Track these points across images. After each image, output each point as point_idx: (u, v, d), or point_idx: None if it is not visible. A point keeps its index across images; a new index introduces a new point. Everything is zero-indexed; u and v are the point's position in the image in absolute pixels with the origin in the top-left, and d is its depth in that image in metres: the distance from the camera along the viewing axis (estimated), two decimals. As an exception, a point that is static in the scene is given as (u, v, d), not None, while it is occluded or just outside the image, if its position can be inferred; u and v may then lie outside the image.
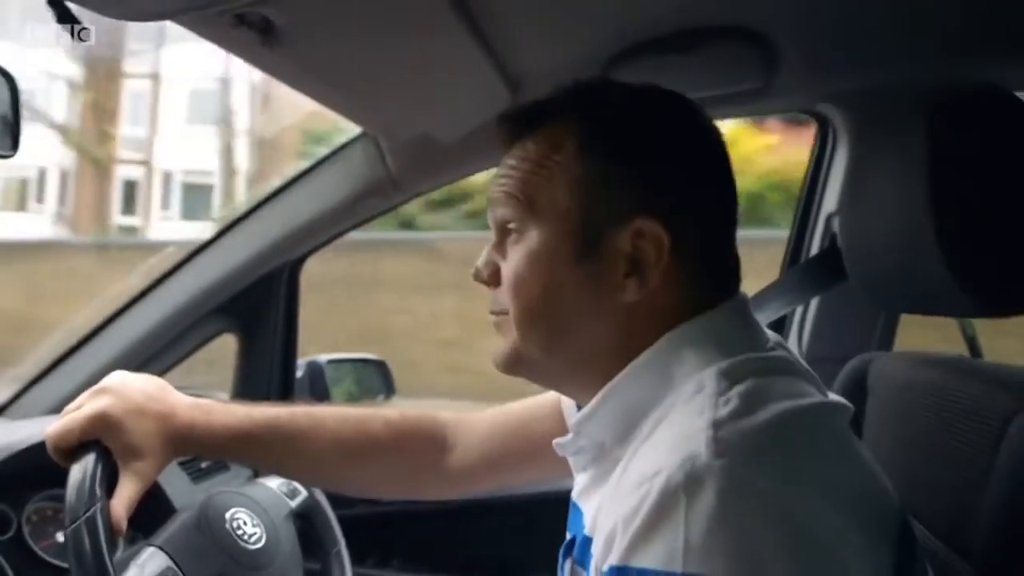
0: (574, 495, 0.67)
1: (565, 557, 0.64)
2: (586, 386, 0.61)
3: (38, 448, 0.76)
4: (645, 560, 0.47)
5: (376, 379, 1.49)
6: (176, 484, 1.07)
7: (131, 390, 0.73)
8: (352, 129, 1.15)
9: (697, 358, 0.57)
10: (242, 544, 0.80)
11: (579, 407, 0.65)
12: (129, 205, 11.64)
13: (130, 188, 11.73)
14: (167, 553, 0.74)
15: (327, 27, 0.76)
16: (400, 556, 1.35)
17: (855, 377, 0.86)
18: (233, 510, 0.82)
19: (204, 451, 0.84)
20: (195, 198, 11.41)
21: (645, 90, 0.63)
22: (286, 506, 0.89)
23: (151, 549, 0.74)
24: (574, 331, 0.61)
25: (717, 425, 0.50)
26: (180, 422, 0.74)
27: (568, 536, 0.66)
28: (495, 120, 0.66)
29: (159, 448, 0.73)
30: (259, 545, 0.81)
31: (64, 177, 11.59)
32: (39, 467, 0.77)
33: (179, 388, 0.78)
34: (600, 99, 0.63)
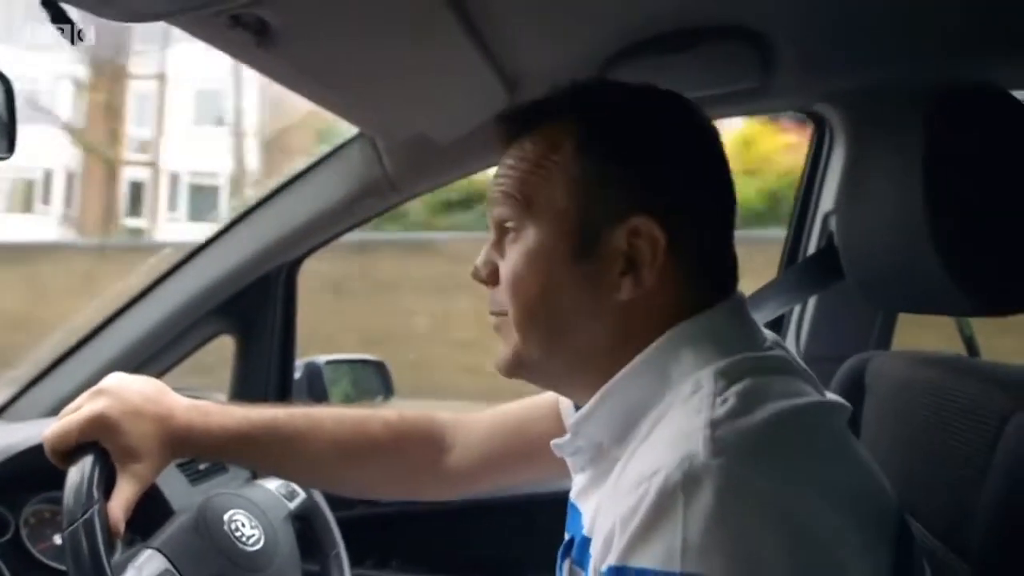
0: (572, 496, 0.67)
1: (563, 558, 0.64)
2: (585, 386, 0.61)
3: (36, 450, 0.75)
4: (644, 560, 0.47)
5: (374, 380, 1.49)
6: (174, 486, 1.07)
7: (129, 392, 0.73)
8: (350, 128, 1.15)
9: (695, 358, 0.57)
10: (240, 546, 0.80)
11: (577, 408, 0.65)
12: (136, 207, 11.63)
13: (136, 189, 11.71)
14: (165, 555, 0.74)
15: (323, 28, 0.76)
16: (399, 557, 1.35)
17: (853, 376, 0.86)
18: (231, 512, 0.82)
19: (202, 453, 0.84)
20: (202, 199, 11.39)
21: (643, 90, 0.63)
22: (284, 508, 0.89)
23: (149, 551, 0.74)
24: (572, 330, 0.61)
25: (715, 424, 0.50)
26: (178, 424, 0.74)
27: (567, 537, 0.66)
28: (493, 120, 0.66)
29: (157, 450, 0.73)
30: (258, 547, 0.81)
31: (70, 178, 11.58)
32: (37, 469, 0.77)
33: (176, 390, 0.78)
34: (598, 99, 0.63)
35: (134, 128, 11.66)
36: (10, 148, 0.79)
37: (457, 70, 0.93)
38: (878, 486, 0.56)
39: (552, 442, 0.64)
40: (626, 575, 0.48)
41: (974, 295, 0.65)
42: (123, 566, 0.72)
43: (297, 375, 1.34)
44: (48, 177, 11.49)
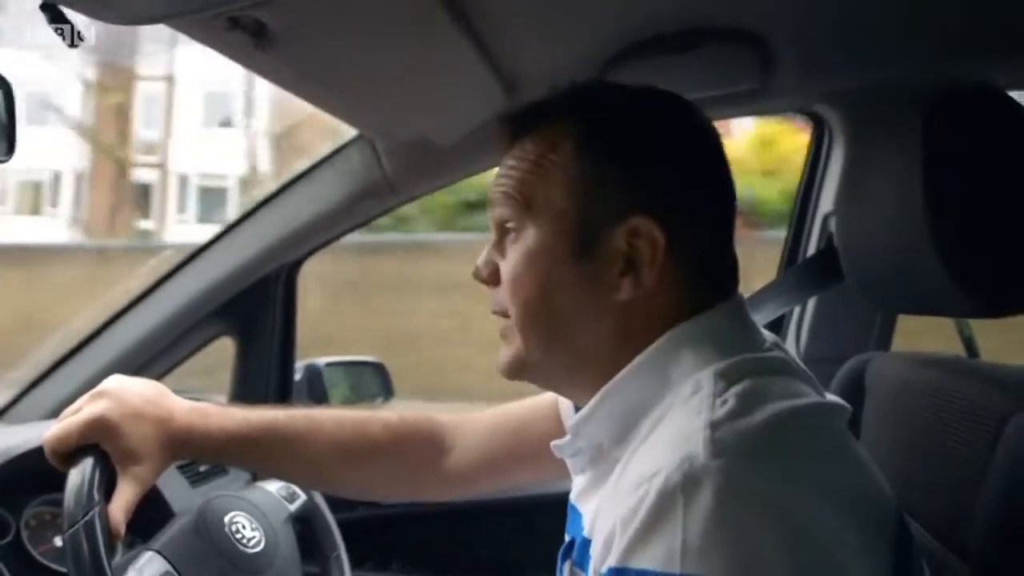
0: (572, 497, 0.67)
1: (564, 559, 0.64)
2: (585, 387, 0.61)
3: (36, 452, 0.75)
4: (644, 561, 0.47)
5: (374, 382, 1.49)
6: (174, 488, 1.07)
7: (129, 394, 0.73)
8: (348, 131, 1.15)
9: (694, 359, 0.57)
10: (241, 548, 0.80)
11: (577, 409, 0.65)
12: (145, 208, 11.62)
13: (145, 191, 11.71)
14: (165, 557, 0.74)
15: (321, 30, 0.76)
16: (399, 559, 1.35)
17: (852, 377, 0.86)
18: (232, 514, 0.82)
19: (202, 455, 0.84)
20: (211, 201, 11.38)
21: (643, 91, 0.63)
22: (285, 510, 0.89)
23: (149, 553, 0.74)
24: (572, 330, 0.61)
25: (714, 426, 0.50)
26: (178, 426, 0.74)
27: (567, 538, 0.66)
28: (493, 121, 0.66)
29: (157, 452, 0.73)
30: (258, 549, 0.81)
31: (79, 180, 11.57)
32: (37, 471, 0.77)
33: (176, 392, 0.78)
34: (598, 100, 0.64)
35: (143, 130, 11.67)
36: (10, 150, 0.79)
37: (456, 72, 0.93)
38: (877, 487, 0.56)
39: (552, 443, 0.64)
40: None
41: (974, 296, 0.66)
42: (123, 568, 0.72)
43: (297, 377, 1.34)
44: (56, 179, 11.49)
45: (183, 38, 0.71)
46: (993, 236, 0.65)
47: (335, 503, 0.98)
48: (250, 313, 1.26)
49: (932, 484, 0.70)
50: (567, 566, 0.63)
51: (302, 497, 0.93)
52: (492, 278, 0.65)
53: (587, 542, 0.59)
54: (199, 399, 0.80)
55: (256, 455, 0.79)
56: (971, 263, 0.65)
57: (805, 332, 1.28)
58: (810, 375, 0.62)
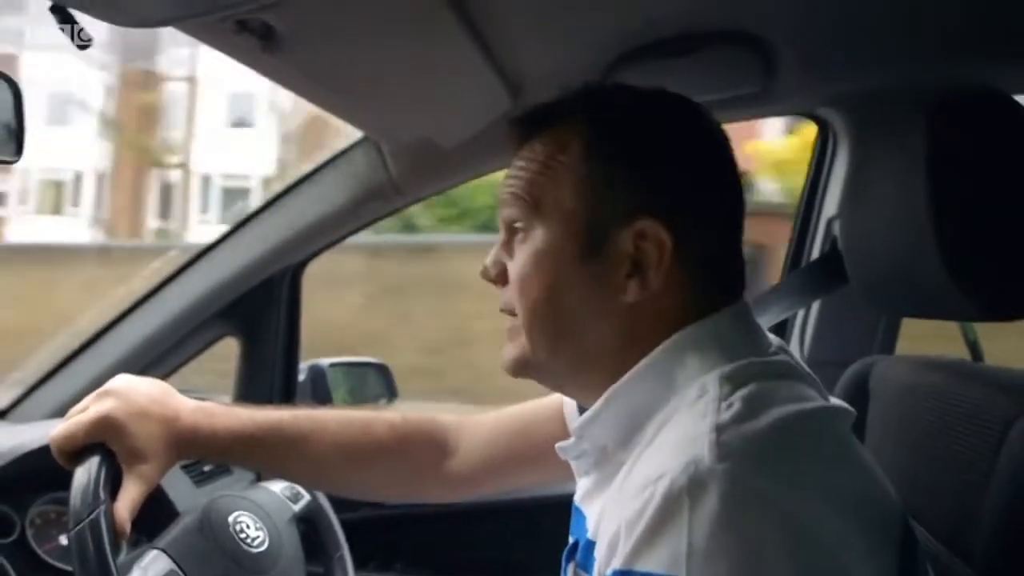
0: (576, 499, 0.67)
1: (568, 561, 0.64)
2: (590, 388, 0.61)
3: (42, 451, 0.76)
4: (649, 564, 0.47)
5: (377, 383, 1.49)
6: (179, 487, 1.07)
7: (135, 393, 0.73)
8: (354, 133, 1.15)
9: (700, 362, 0.57)
10: (245, 548, 0.80)
11: (582, 410, 0.66)
12: (166, 209, 11.64)
13: (167, 191, 11.72)
14: (170, 556, 0.74)
15: (328, 32, 0.77)
16: (403, 559, 1.35)
17: (857, 381, 0.86)
18: (236, 514, 0.82)
19: (207, 454, 0.84)
20: (234, 201, 11.40)
21: (652, 93, 0.64)
22: (289, 510, 0.90)
23: (154, 552, 0.75)
24: (578, 330, 0.61)
25: (720, 429, 0.50)
26: (183, 425, 0.74)
27: (571, 540, 0.66)
28: (500, 123, 0.67)
29: (163, 451, 0.73)
30: (262, 549, 0.81)
31: (100, 180, 11.59)
32: (43, 470, 0.78)
33: (182, 391, 0.78)
34: (607, 101, 0.64)
35: (166, 131, 11.70)
36: (18, 151, 0.79)
37: (460, 74, 0.94)
38: (882, 491, 0.56)
39: (557, 445, 0.64)
40: None
41: (978, 299, 0.65)
42: (128, 566, 0.72)
43: (301, 377, 1.34)
44: (78, 179, 11.51)
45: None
46: (997, 239, 0.65)
47: (339, 503, 0.98)
48: (255, 314, 1.26)
49: (936, 488, 0.70)
50: (571, 568, 0.63)
51: (306, 497, 0.93)
52: (500, 278, 0.65)
53: (591, 544, 0.59)
54: (204, 399, 0.80)
55: (261, 455, 0.79)
56: (975, 266, 0.65)
57: (809, 335, 1.28)
58: (815, 379, 0.62)
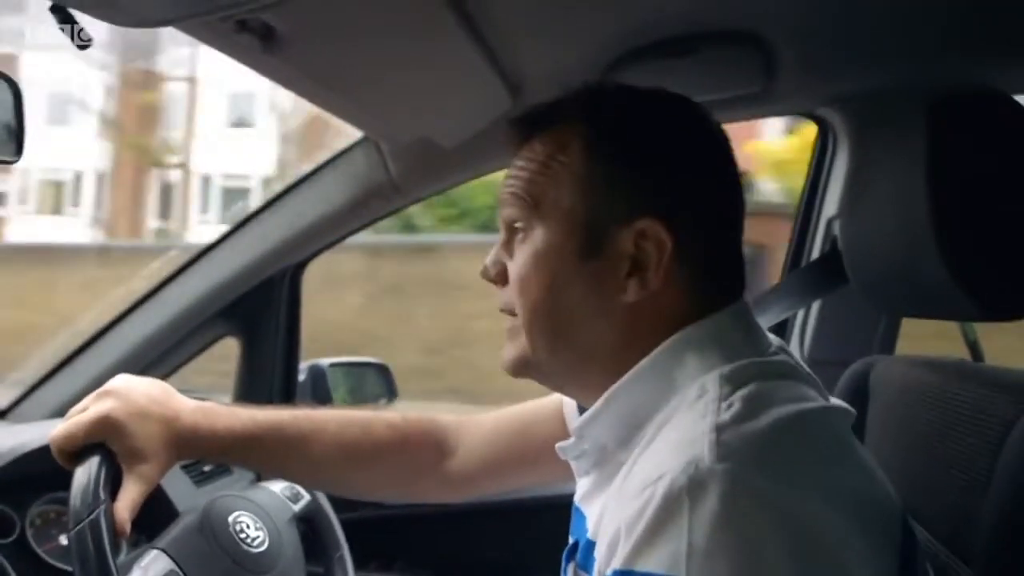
0: (576, 499, 0.67)
1: (568, 561, 0.64)
2: (590, 387, 0.62)
3: (42, 451, 0.76)
4: (649, 564, 0.47)
5: (377, 383, 1.49)
6: (179, 487, 1.07)
7: (135, 393, 0.73)
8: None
9: (700, 362, 0.57)
10: (245, 548, 0.80)
11: (582, 410, 0.66)
12: (166, 209, 11.63)
13: (167, 191, 11.71)
14: (170, 556, 0.74)
15: (328, 32, 0.77)
16: (403, 560, 1.35)
17: (857, 381, 0.86)
18: (236, 514, 0.82)
19: (207, 454, 0.84)
20: (234, 201, 11.40)
21: (653, 93, 0.64)
22: (289, 510, 0.90)
23: (154, 552, 0.75)
24: (578, 330, 0.61)
25: (720, 429, 0.50)
26: (183, 425, 0.74)
27: (571, 540, 0.66)
28: (500, 123, 0.67)
29: (163, 451, 0.73)
30: (262, 549, 0.81)
31: (100, 180, 11.58)
32: (43, 470, 0.78)
33: (182, 391, 0.78)
34: (608, 101, 0.64)
35: (166, 131, 11.70)
36: (18, 151, 0.79)
37: (461, 74, 0.94)
38: (882, 491, 0.56)
39: (557, 445, 0.64)
40: None
41: (978, 299, 0.66)
42: (128, 566, 0.72)
43: (301, 377, 1.34)
44: (78, 179, 11.51)
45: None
46: (997, 239, 0.65)
47: (339, 503, 0.98)
48: (255, 314, 1.26)
49: (936, 488, 0.70)
50: (571, 568, 0.63)
51: (306, 497, 0.93)
52: (500, 277, 0.65)
53: (591, 544, 0.59)
54: (204, 399, 0.80)
55: (261, 455, 0.79)
56: (975, 266, 0.65)
57: (809, 335, 1.28)
58: (815, 379, 0.62)
